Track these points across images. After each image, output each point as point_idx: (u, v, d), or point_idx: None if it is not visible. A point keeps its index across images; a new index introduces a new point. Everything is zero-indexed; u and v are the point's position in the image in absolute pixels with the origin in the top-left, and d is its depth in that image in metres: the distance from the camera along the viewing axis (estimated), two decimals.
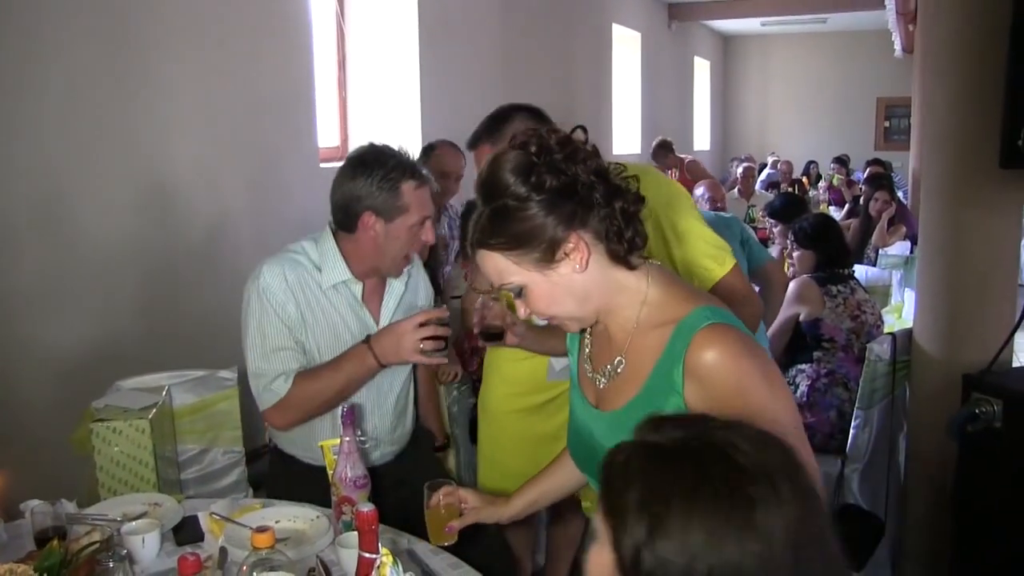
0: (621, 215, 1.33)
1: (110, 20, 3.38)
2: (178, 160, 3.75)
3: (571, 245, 1.31)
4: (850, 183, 9.90)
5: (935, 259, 2.91)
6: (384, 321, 2.22)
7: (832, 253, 3.64)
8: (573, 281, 1.34)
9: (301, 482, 2.17)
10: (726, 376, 1.27)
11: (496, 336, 2.03)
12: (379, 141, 2.16)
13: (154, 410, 2.31)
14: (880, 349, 3.07)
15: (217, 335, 3.38)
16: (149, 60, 3.57)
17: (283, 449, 2.28)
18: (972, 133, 2.65)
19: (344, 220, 2.12)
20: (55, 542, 1.59)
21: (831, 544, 0.95)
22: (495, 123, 2.21)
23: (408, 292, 2.29)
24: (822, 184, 10.37)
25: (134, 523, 1.82)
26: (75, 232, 3.27)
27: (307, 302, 2.12)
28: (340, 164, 2.16)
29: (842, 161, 10.94)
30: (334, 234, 2.17)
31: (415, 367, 2.38)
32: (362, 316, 2.18)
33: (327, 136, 5.24)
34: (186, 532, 1.92)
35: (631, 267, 1.36)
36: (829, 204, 9.28)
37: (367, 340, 2.08)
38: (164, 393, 2.47)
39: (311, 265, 2.14)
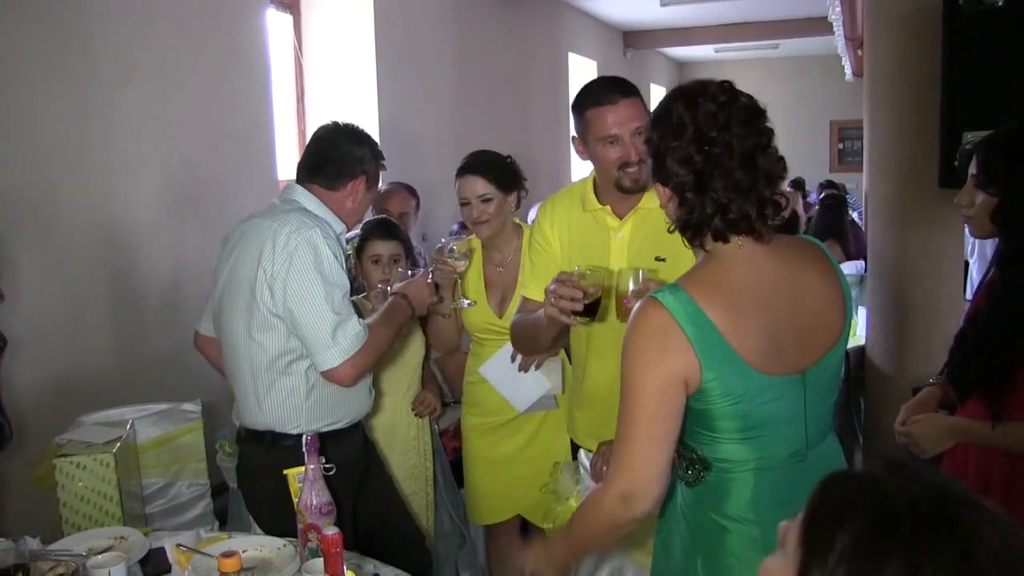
0: None
1: (68, 54, 3.39)
2: (138, 195, 3.75)
3: None
4: (807, 205, 10.10)
5: (883, 277, 3.02)
6: None
7: None
8: None
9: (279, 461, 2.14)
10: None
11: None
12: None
13: (118, 444, 2.32)
14: None
15: (180, 368, 3.38)
16: (109, 95, 3.58)
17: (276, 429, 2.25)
18: (913, 155, 2.77)
19: (333, 176, 2.30)
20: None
21: None
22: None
23: None
24: None
25: (100, 556, 1.82)
26: (34, 268, 3.26)
27: (337, 252, 2.24)
28: (327, 125, 2.40)
29: (798, 184, 11.14)
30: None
31: None
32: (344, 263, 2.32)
33: (286, 168, 5.27)
34: (153, 564, 1.93)
35: None
36: None
37: (400, 295, 2.38)
38: (128, 427, 2.47)
39: (319, 220, 2.24)
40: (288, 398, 2.20)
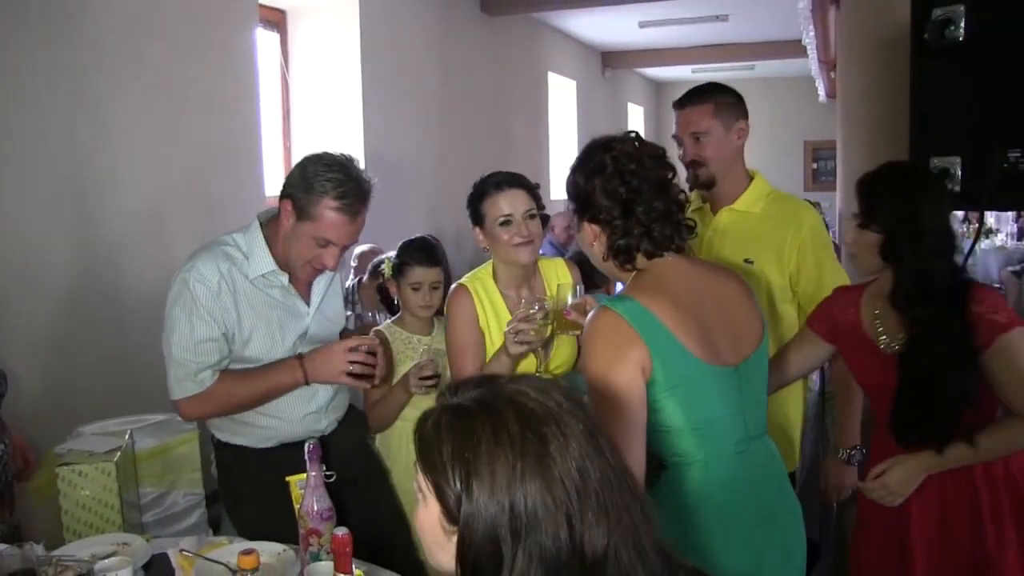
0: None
1: (61, 69, 3.47)
2: (127, 207, 3.82)
3: None
4: None
5: None
6: (315, 302, 2.32)
7: None
8: None
9: (256, 470, 2.25)
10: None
11: None
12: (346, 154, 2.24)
13: (119, 453, 2.38)
14: (809, 381, 3.26)
15: None
16: (99, 110, 3.65)
17: (230, 442, 2.32)
18: None
19: (280, 195, 2.18)
20: None
21: (623, 477, 1.09)
22: (715, 89, 2.55)
23: (333, 287, 2.41)
24: None
25: (107, 560, 1.88)
26: (23, 282, 3.31)
27: (240, 292, 2.18)
28: None
29: None
30: (262, 225, 2.25)
31: None
32: (291, 302, 2.27)
33: (273, 184, 5.34)
34: (156, 570, 2.00)
35: None
36: None
37: (300, 356, 2.19)
38: (127, 437, 2.54)
39: (240, 256, 2.21)
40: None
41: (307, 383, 2.19)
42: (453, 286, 2.48)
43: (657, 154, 1.75)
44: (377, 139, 5.90)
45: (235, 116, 4.60)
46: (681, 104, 2.57)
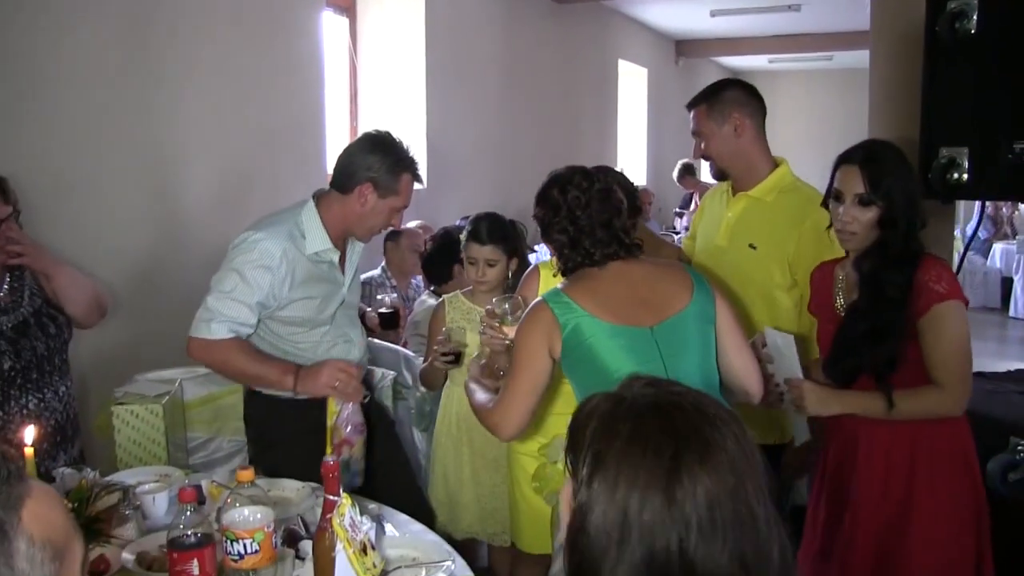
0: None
1: (135, 54, 3.75)
2: (195, 184, 4.11)
3: None
4: None
5: None
6: (349, 274, 2.62)
7: None
8: None
9: (289, 420, 2.50)
10: None
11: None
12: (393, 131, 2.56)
13: (167, 398, 2.64)
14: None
15: None
16: (171, 90, 3.93)
17: (268, 393, 2.55)
18: None
19: (343, 183, 2.49)
20: (83, 482, 1.92)
21: (760, 518, 1.02)
22: (713, 91, 2.76)
23: (359, 257, 2.71)
24: None
25: (147, 485, 2.14)
26: (98, 249, 3.61)
27: (298, 266, 2.44)
28: (351, 144, 2.58)
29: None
30: (316, 203, 2.53)
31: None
32: (334, 275, 2.56)
33: None
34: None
35: None
36: None
37: (298, 367, 2.42)
38: (176, 384, 2.80)
39: (299, 234, 2.48)
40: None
41: (294, 391, 2.41)
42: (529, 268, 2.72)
43: (604, 196, 2.11)
44: (439, 124, 6.08)
45: (300, 97, 4.85)
46: (687, 107, 2.79)
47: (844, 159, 2.19)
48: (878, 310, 2.10)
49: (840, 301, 2.26)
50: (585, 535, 1.01)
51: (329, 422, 2.21)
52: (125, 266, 3.73)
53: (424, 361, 3.01)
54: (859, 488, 2.22)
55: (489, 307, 2.39)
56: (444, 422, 2.99)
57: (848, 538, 2.24)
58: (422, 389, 3.11)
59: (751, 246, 2.63)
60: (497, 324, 2.34)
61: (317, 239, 2.48)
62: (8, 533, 0.78)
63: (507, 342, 2.27)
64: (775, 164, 2.74)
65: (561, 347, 2.02)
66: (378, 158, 2.46)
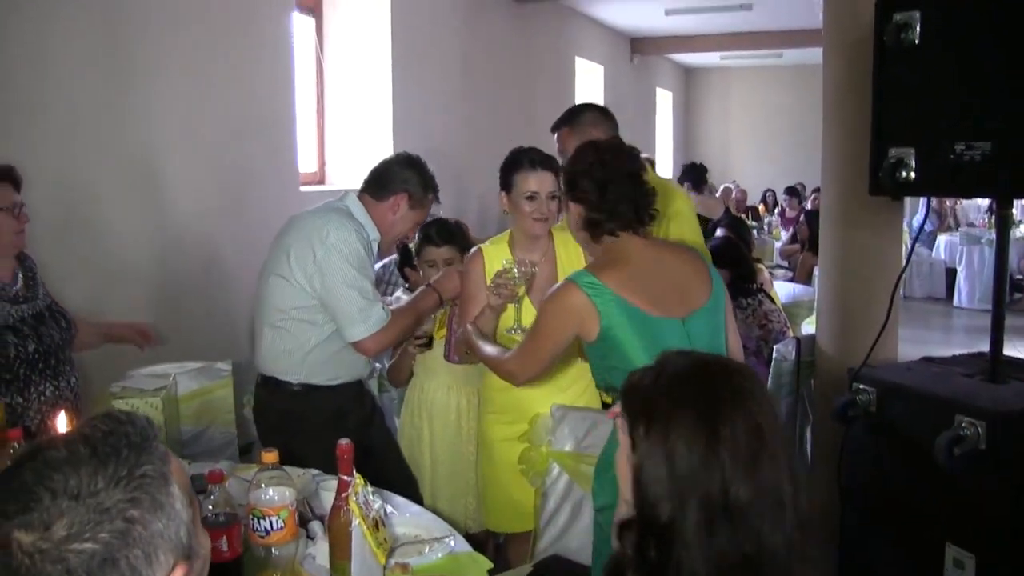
0: None
1: (109, 49, 3.85)
2: (169, 179, 4.21)
3: None
4: (804, 211, 10.46)
5: (831, 271, 3.43)
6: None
7: (742, 271, 4.17)
8: None
9: (296, 410, 2.67)
10: None
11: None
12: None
13: (164, 391, 2.75)
14: (785, 350, 3.57)
15: (210, 334, 3.82)
16: (139, 87, 4.03)
17: (316, 383, 2.68)
18: (853, 166, 3.16)
19: (378, 189, 2.71)
20: None
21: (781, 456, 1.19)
22: (572, 114, 3.07)
23: None
24: (778, 211, 10.98)
25: None
26: (76, 246, 3.69)
27: (366, 250, 2.63)
28: (390, 158, 2.84)
29: (795, 191, 11.50)
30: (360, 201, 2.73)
31: None
32: (373, 264, 2.76)
33: (306, 161, 5.70)
34: (192, 485, 2.36)
35: None
36: (783, 230, 9.97)
37: (430, 285, 2.76)
38: (171, 379, 2.90)
39: (358, 222, 2.65)
40: (284, 354, 2.66)
41: (442, 304, 2.78)
42: (472, 249, 2.85)
43: (632, 154, 2.22)
44: (406, 119, 6.22)
45: (270, 96, 4.95)
46: (552, 130, 3.16)
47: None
48: None
49: None
50: (644, 483, 1.17)
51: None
52: (107, 261, 3.81)
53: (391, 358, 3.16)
54: None
55: (502, 268, 2.53)
56: (407, 411, 3.12)
57: None
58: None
59: None
60: (511, 283, 2.48)
61: (371, 229, 2.69)
62: (168, 478, 0.96)
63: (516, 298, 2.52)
64: None
65: (598, 333, 2.07)
66: (414, 173, 2.72)
